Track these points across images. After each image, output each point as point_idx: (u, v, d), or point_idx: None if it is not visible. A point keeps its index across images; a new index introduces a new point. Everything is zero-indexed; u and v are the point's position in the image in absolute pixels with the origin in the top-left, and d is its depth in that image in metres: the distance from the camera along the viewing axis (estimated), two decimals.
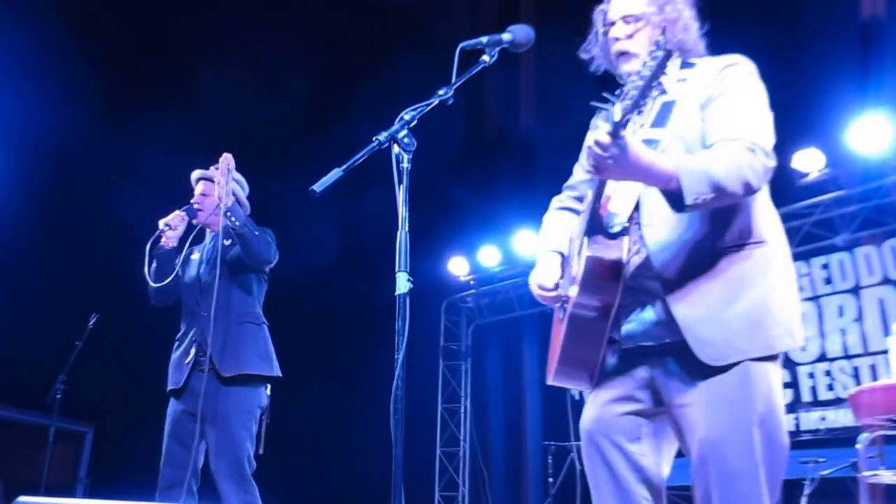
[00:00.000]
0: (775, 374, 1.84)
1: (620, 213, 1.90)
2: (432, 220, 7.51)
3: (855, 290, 6.54)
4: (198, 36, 6.63)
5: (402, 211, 1.91)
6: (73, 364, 5.33)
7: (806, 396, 6.60)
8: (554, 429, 6.84)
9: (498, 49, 2.08)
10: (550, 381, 2.06)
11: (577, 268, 1.89)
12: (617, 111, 1.60)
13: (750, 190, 1.76)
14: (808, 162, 6.58)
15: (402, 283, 1.90)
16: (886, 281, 6.38)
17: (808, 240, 6.91)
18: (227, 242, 3.57)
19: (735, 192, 1.73)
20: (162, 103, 6.71)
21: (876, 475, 3.66)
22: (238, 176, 3.73)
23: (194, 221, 3.68)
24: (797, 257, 6.96)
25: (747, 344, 1.79)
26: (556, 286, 2.05)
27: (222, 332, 3.36)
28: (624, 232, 1.88)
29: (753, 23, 5.97)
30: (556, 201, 2.33)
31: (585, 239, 1.86)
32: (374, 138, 1.91)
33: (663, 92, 1.66)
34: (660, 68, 1.60)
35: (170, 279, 3.55)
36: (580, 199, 2.25)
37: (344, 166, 1.89)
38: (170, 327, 6.97)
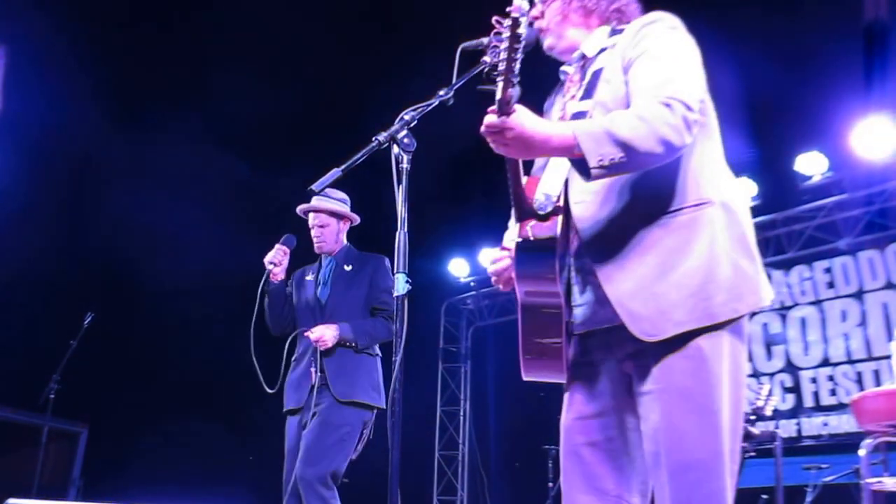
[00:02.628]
0: (734, 352, 1.70)
1: (552, 195, 1.83)
2: (432, 221, 7.47)
3: (858, 295, 6.51)
4: (210, 33, 6.60)
5: (402, 211, 1.89)
6: (68, 363, 5.29)
7: (808, 402, 6.56)
8: (554, 433, 6.78)
9: None
10: (525, 377, 2.02)
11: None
12: (499, 88, 1.58)
13: (671, 147, 1.63)
14: (812, 165, 6.57)
15: (401, 285, 1.89)
16: (890, 285, 6.35)
17: (810, 243, 6.88)
18: (349, 268, 3.67)
19: (652, 151, 1.61)
20: (172, 100, 6.69)
21: (879, 482, 3.64)
22: (341, 195, 3.77)
23: (316, 251, 3.75)
24: (800, 261, 6.93)
25: (684, 315, 1.65)
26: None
27: (339, 358, 3.47)
28: (556, 212, 1.81)
29: (757, 26, 5.95)
30: None
31: (517, 225, 1.80)
32: (373, 138, 1.89)
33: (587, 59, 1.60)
34: (514, 26, 1.53)
35: (285, 309, 3.64)
36: None
37: (343, 166, 1.87)
38: (167, 327, 6.96)
